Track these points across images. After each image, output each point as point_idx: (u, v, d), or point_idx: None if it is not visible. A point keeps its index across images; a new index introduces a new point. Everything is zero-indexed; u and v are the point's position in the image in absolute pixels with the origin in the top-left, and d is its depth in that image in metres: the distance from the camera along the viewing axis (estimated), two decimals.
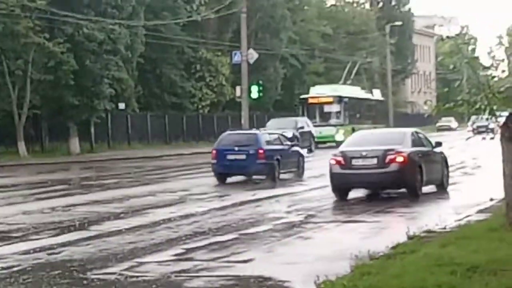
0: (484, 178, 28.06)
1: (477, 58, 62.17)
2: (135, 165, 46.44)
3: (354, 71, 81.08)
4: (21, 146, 55.42)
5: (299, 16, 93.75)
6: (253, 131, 36.14)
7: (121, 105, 65.26)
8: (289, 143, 35.42)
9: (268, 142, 31.78)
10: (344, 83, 75.25)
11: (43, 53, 55.51)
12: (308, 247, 14.43)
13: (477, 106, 15.10)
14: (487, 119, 16.82)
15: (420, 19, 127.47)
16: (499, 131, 14.24)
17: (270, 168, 30.16)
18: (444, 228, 15.15)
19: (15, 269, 12.73)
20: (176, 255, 13.61)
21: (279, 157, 31.06)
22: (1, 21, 54.10)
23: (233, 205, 22.23)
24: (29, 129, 57.71)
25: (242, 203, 22.63)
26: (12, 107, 55.58)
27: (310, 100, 63.41)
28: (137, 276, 11.77)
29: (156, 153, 58.71)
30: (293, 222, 17.75)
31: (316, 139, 58.90)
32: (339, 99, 62.88)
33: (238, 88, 68.88)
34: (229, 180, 30.65)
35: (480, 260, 10.61)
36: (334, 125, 61.41)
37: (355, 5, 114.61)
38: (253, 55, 69.29)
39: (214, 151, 31.32)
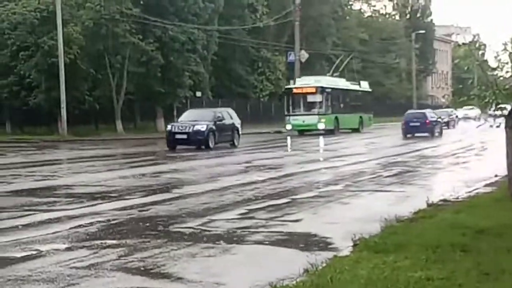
0: (490, 158, 27.71)
1: (486, 61, 61.06)
2: None
3: (343, 65, 70.69)
4: (118, 124, 56.06)
5: (341, 24, 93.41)
6: None
7: (198, 93, 65.55)
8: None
9: None
10: (332, 75, 65.08)
11: (137, 51, 55.94)
12: (346, 211, 14.35)
13: (486, 100, 15.03)
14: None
15: (440, 28, 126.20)
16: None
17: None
18: (457, 198, 14.98)
19: (113, 222, 12.82)
20: (240, 214, 13.60)
21: None
22: (105, 25, 54.51)
23: (286, 175, 22.17)
24: (125, 111, 58.18)
25: (293, 174, 22.58)
26: (112, 93, 56.25)
27: (295, 91, 55.99)
28: (209, 230, 11.78)
29: None
30: (334, 190, 17.65)
31: (300, 128, 54.44)
32: (322, 89, 54.63)
33: (291, 82, 68.86)
34: (284, 153, 30.58)
35: (486, 224, 10.49)
36: (316, 114, 53.93)
37: (387, 16, 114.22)
38: (304, 55, 69.30)
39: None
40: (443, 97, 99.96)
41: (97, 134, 54.58)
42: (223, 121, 38.29)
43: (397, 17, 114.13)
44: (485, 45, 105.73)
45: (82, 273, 8.78)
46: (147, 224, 12.48)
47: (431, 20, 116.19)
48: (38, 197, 16.85)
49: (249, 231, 11.69)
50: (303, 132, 54.07)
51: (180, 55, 59.35)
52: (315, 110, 54.14)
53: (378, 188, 18.25)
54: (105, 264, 9.23)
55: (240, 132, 40.18)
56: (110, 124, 57.85)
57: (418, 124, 49.00)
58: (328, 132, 52.67)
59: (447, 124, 64.99)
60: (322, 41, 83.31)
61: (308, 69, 72.41)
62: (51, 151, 36.79)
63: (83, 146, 41.75)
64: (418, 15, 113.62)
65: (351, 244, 10.01)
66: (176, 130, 36.50)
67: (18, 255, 9.93)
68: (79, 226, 12.30)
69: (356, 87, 63.59)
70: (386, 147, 36.88)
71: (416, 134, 48.42)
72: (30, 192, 18.06)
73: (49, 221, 12.87)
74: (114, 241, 10.91)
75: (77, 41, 53.50)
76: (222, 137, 37.79)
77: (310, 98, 54.49)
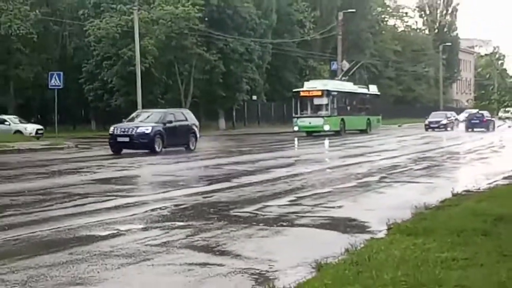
0: (508, 154, 27.30)
1: (505, 69, 60.40)
2: (262, 138, 46.57)
3: (353, 71, 67.36)
4: None
5: (378, 37, 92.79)
6: None
7: (254, 97, 65.78)
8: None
9: None
10: (340, 79, 61.02)
11: (202, 60, 56.29)
12: (381, 199, 14.24)
13: (505, 103, 14.81)
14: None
15: (464, 41, 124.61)
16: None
17: None
18: (479, 189, 14.76)
19: (182, 206, 12.91)
20: (290, 201, 13.59)
21: None
22: (175, 38, 54.92)
23: (329, 168, 22.13)
24: (191, 112, 58.55)
25: (336, 167, 22.50)
26: (180, 96, 56.63)
27: (302, 94, 50.92)
28: (263, 215, 11.79)
29: (277, 130, 58.80)
30: (371, 181, 17.54)
31: (306, 129, 49.54)
32: (328, 92, 49.71)
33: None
34: (329, 149, 30.43)
35: (505, 212, 10.31)
36: (322, 116, 49.28)
37: (418, 30, 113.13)
38: (345, 64, 68.90)
39: None
40: (467, 101, 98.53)
41: None
42: (176, 123, 30.75)
43: (427, 32, 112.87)
44: (504, 55, 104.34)
45: (155, 249, 8.86)
46: (210, 209, 12.53)
47: (457, 34, 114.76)
48: (119, 185, 17.03)
49: (297, 216, 11.67)
50: (310, 133, 49.46)
51: (239, 64, 59.58)
52: (321, 112, 49.79)
53: (409, 179, 18.08)
54: (174, 243, 9.30)
55: (198, 135, 32.49)
56: None
57: (477, 121, 55.31)
58: (335, 133, 48.96)
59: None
60: (361, 52, 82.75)
61: (348, 76, 72.18)
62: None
63: None
64: (445, 29, 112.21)
65: (386, 228, 9.93)
66: (118, 132, 29.60)
67: (102, 233, 10.06)
68: (153, 209, 12.41)
69: (364, 91, 58.31)
70: (415, 145, 36.49)
71: (475, 129, 54.02)
72: (112, 180, 18.28)
73: (128, 205, 13.00)
74: (182, 223, 10.98)
75: (152, 52, 53.94)
76: (174, 140, 30.31)
77: (316, 101, 50.13)
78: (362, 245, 8.52)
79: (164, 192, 15.15)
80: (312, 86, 51.49)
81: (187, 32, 55.90)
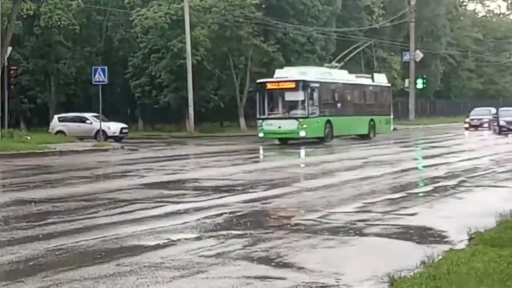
0: None
1: None
2: None
3: (354, 53, 56.71)
4: (242, 121, 56.55)
5: (456, 24, 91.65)
6: None
7: None
8: None
9: None
10: (331, 66, 48.96)
11: (259, 52, 56.42)
12: (461, 205, 14.08)
13: None
14: None
15: None
16: None
17: None
18: None
19: (238, 213, 12.96)
20: (357, 207, 13.54)
21: None
22: (229, 28, 55.12)
23: (402, 170, 21.90)
24: (248, 109, 58.70)
25: (409, 169, 22.34)
26: (235, 92, 56.82)
27: (269, 86, 39.47)
28: (328, 223, 11.77)
29: None
30: (449, 185, 17.35)
31: (275, 135, 39.35)
32: (304, 84, 38.44)
33: (406, 81, 68.30)
34: (400, 150, 30.28)
35: None
36: (296, 118, 38.26)
37: (501, 15, 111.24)
38: (419, 55, 68.36)
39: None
40: None
41: (222, 131, 55.33)
42: None
43: (511, 17, 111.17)
44: None
45: (210, 261, 8.91)
46: (270, 216, 12.56)
47: None
48: (169, 190, 17.20)
49: (366, 224, 11.62)
50: (284, 140, 39.33)
51: (300, 55, 59.46)
52: (295, 112, 38.85)
53: (492, 183, 17.83)
54: (231, 253, 9.35)
55: None
56: (234, 122, 58.60)
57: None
58: (319, 140, 39.22)
59: None
60: (436, 41, 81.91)
61: (422, 68, 71.60)
62: (179, 147, 37.45)
63: (209, 142, 42.34)
64: None
65: (467, 238, 9.82)
66: None
67: (152, 243, 10.16)
68: (207, 217, 12.49)
69: (366, 82, 46.84)
70: (499, 144, 35.94)
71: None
72: (161, 185, 18.46)
73: (179, 212, 13.12)
74: (239, 232, 11.03)
75: (204, 43, 54.31)
76: None
77: (288, 96, 39.09)
78: (440, 257, 8.45)
79: (218, 198, 15.23)
80: (283, 75, 40.49)
81: (242, 21, 56.05)
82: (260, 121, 39.61)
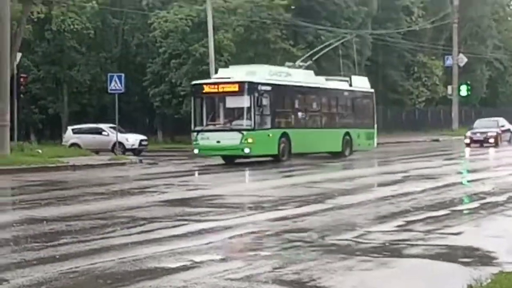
0: None
1: None
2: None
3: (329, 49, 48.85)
4: None
5: (503, 25, 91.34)
6: None
7: None
8: None
9: None
10: (294, 65, 41.48)
11: (288, 56, 56.33)
12: (510, 223, 13.99)
13: None
14: None
15: None
16: None
17: None
18: None
19: (267, 232, 12.96)
20: (397, 226, 13.48)
21: None
22: (255, 31, 55.32)
23: (445, 185, 21.81)
24: None
25: (453, 184, 22.24)
26: None
27: (206, 88, 33.26)
28: (365, 243, 11.73)
29: (379, 140, 58.32)
30: (497, 202, 17.24)
31: (213, 152, 33.87)
32: (251, 86, 32.32)
33: (449, 87, 68.03)
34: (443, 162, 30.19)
35: None
36: (239, 130, 32.38)
37: None
38: (462, 59, 68.10)
39: None
40: None
41: None
42: None
43: None
44: None
45: (237, 285, 8.91)
46: (302, 236, 12.54)
47: None
48: (191, 207, 17.25)
49: (407, 244, 11.56)
50: (229, 158, 34.11)
51: (333, 60, 59.42)
52: (239, 123, 32.90)
53: None
54: (259, 276, 9.33)
55: None
56: None
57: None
58: (273, 159, 34.12)
59: None
60: (482, 43, 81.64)
61: (466, 73, 71.27)
62: (202, 160, 37.50)
63: None
64: None
65: None
66: None
67: (173, 265, 10.18)
68: (233, 236, 12.52)
69: (340, 86, 40.33)
70: None
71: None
72: (183, 201, 18.53)
73: (203, 231, 13.13)
74: (268, 253, 11.03)
75: (228, 47, 54.49)
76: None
77: (230, 102, 33.01)
78: (489, 280, 8.39)
79: (245, 216, 15.25)
80: (226, 75, 34.22)
81: (270, 23, 56.22)
82: (195, 133, 33.77)
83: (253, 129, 32.20)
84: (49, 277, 9.50)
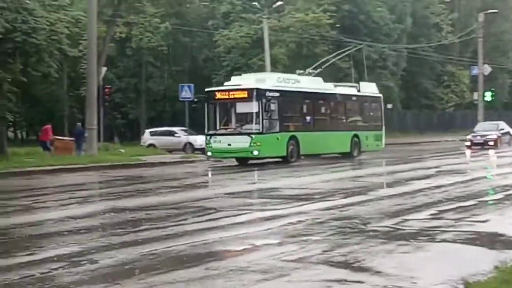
0: None
1: None
2: (398, 148, 46.00)
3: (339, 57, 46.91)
4: None
5: None
6: None
7: (389, 105, 65.04)
8: None
9: None
10: (305, 72, 40.16)
11: (334, 68, 56.19)
12: None
13: None
14: None
15: None
16: None
17: None
18: None
19: (317, 220, 12.91)
20: (431, 215, 13.32)
21: None
22: (305, 46, 55.17)
23: (472, 179, 21.54)
24: None
25: (479, 178, 21.94)
26: None
27: (218, 95, 31.45)
28: (403, 229, 11.61)
29: (413, 140, 57.93)
30: None
31: (224, 154, 31.81)
32: (259, 93, 30.43)
33: (475, 94, 67.06)
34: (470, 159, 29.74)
35: None
36: (248, 134, 30.42)
37: None
38: (487, 69, 67.11)
39: None
40: None
41: None
42: None
43: None
44: None
45: (292, 265, 8.89)
46: (347, 223, 12.47)
47: None
48: (251, 198, 17.29)
49: (439, 230, 11.42)
50: (242, 160, 31.85)
51: (372, 71, 59.17)
52: (249, 127, 30.81)
53: None
54: (311, 258, 9.30)
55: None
56: None
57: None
58: (282, 160, 31.68)
59: None
60: (503, 55, 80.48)
61: (490, 81, 70.38)
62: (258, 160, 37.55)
63: None
64: None
65: None
66: None
67: (237, 248, 10.21)
68: (288, 224, 12.49)
69: (348, 91, 37.83)
70: None
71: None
72: (244, 193, 18.56)
73: (262, 219, 13.15)
74: (318, 238, 10.99)
75: (282, 61, 54.51)
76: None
77: (240, 108, 31.20)
78: None
79: (298, 206, 15.20)
80: (238, 83, 32.42)
81: (318, 40, 56.11)
82: (208, 137, 31.84)
83: (261, 133, 30.38)
84: (131, 258, 9.59)
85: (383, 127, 39.55)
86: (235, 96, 30.84)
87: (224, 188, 20.49)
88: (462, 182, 20.52)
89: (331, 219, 13.10)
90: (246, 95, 30.50)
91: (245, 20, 58.08)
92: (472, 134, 44.16)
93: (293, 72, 49.11)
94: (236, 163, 32.25)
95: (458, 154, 37.35)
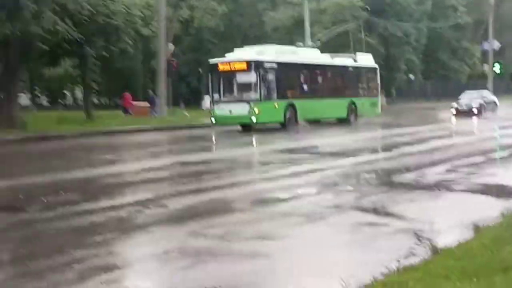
0: None
1: None
2: (420, 113, 45.40)
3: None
4: None
5: None
6: None
7: (411, 76, 64.32)
8: None
9: None
10: (305, 45, 39.08)
11: (364, 44, 55.61)
12: None
13: None
14: None
15: None
16: None
17: None
18: None
19: (350, 173, 12.88)
20: (447, 169, 13.15)
21: None
22: (334, 22, 54.49)
23: (478, 140, 21.22)
24: None
25: (486, 139, 21.58)
26: None
27: (221, 67, 28.81)
28: (423, 181, 11.49)
29: (432, 106, 57.18)
30: None
31: (226, 121, 28.84)
32: (257, 64, 27.96)
33: (485, 66, 65.61)
34: (480, 122, 29.19)
35: None
36: (247, 101, 27.82)
37: None
38: (496, 44, 65.52)
39: None
40: None
41: None
42: None
43: None
44: None
45: (328, 211, 8.89)
46: (375, 175, 12.41)
47: None
48: (295, 154, 17.28)
49: (454, 182, 11.28)
50: (246, 127, 28.90)
51: (397, 47, 58.44)
52: (248, 95, 28.19)
53: None
54: (344, 205, 9.29)
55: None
56: None
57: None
58: (281, 126, 29.04)
59: None
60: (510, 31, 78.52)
61: (499, 55, 68.78)
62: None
63: None
64: None
65: None
66: None
67: (283, 196, 10.24)
68: (325, 176, 12.47)
69: (344, 62, 34.75)
70: None
71: None
72: (289, 150, 18.56)
73: (303, 172, 13.12)
74: (350, 188, 10.97)
75: (321, 38, 54.01)
76: None
77: (240, 78, 28.66)
78: None
79: (333, 161, 15.16)
80: (238, 55, 29.80)
81: (350, 20, 55.44)
82: (212, 105, 29.38)
83: (259, 100, 27.80)
84: (194, 203, 9.71)
85: (379, 95, 36.94)
86: (236, 67, 28.42)
87: (272, 145, 20.48)
88: (473, 141, 20.21)
89: (361, 171, 13.04)
90: (245, 66, 28.05)
91: (289, 3, 57.53)
92: (458, 102, 39.50)
93: (329, 47, 48.80)
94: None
95: (466, 118, 36.68)
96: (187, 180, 12.31)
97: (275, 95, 28.76)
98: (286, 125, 28.82)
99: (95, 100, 60.11)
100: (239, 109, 27.89)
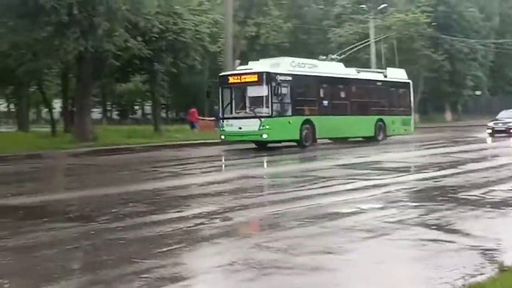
0: None
1: None
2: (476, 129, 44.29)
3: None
4: (415, 116, 55.10)
5: None
6: None
7: (478, 92, 63.03)
8: None
9: None
10: (327, 58, 34.73)
11: (430, 61, 54.87)
12: None
13: None
14: None
15: None
16: None
17: None
18: None
19: (414, 189, 12.70)
20: None
21: None
22: (406, 42, 53.97)
23: None
24: (420, 106, 57.30)
25: None
26: None
27: (231, 79, 26.44)
28: (489, 198, 11.20)
29: None
30: None
31: (235, 138, 26.73)
32: (269, 77, 25.34)
33: None
34: None
35: None
36: (259, 117, 25.48)
37: None
38: None
39: None
40: None
41: None
42: None
43: None
44: None
45: (392, 226, 8.75)
46: (440, 192, 12.16)
47: None
48: (357, 169, 17.11)
49: None
50: (260, 144, 26.93)
51: (464, 63, 57.40)
52: (259, 110, 25.83)
53: None
54: (408, 221, 9.13)
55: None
56: None
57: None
58: (297, 145, 26.94)
59: None
60: None
61: None
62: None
63: None
64: None
65: None
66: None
67: (346, 211, 10.14)
68: (388, 191, 12.29)
69: (372, 77, 32.27)
70: None
71: None
72: (352, 165, 18.40)
73: (367, 187, 12.98)
74: (414, 204, 10.79)
75: (385, 55, 53.60)
76: None
77: (252, 91, 26.18)
78: None
79: (397, 177, 14.94)
80: (249, 67, 27.32)
81: (416, 36, 54.80)
82: (221, 121, 27.04)
83: (271, 116, 25.42)
84: (259, 217, 9.72)
85: (412, 112, 34.42)
86: (246, 80, 25.91)
87: (335, 161, 20.34)
88: None
89: (425, 188, 12.81)
90: (256, 79, 25.53)
91: (354, 20, 57.29)
92: (494, 121, 35.57)
93: (394, 63, 48.30)
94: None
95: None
96: (251, 194, 12.35)
97: (289, 110, 26.38)
98: (303, 143, 26.65)
99: (163, 115, 61.10)
100: (249, 125, 25.60)
